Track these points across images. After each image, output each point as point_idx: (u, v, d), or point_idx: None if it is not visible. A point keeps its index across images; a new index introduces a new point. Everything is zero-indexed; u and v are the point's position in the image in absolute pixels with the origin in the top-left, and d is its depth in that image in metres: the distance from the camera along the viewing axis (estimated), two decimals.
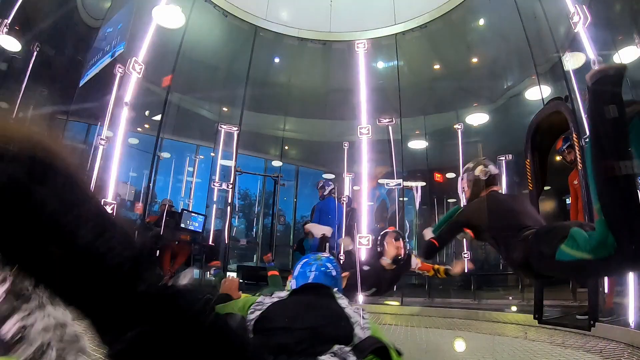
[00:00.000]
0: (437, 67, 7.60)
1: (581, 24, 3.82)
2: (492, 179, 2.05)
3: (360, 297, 5.17)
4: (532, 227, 1.68)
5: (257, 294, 1.90)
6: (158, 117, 6.10)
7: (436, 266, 3.74)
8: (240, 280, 7.39)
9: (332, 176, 8.94)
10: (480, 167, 2.03)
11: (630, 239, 1.20)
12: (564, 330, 3.51)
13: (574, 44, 4.23)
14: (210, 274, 5.80)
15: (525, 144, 4.32)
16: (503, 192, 2.12)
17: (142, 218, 5.86)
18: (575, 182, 3.84)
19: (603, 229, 1.23)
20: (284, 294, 1.22)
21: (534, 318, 3.82)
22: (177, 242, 5.77)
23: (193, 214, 6.11)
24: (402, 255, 3.31)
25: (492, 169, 2.06)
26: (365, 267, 3.27)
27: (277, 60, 7.93)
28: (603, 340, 3.01)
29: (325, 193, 5.43)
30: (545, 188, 4.33)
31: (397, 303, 5.21)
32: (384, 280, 3.40)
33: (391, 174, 5.89)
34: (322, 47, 7.09)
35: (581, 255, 1.36)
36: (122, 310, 0.51)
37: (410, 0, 6.56)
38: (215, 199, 7.35)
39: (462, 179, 2.10)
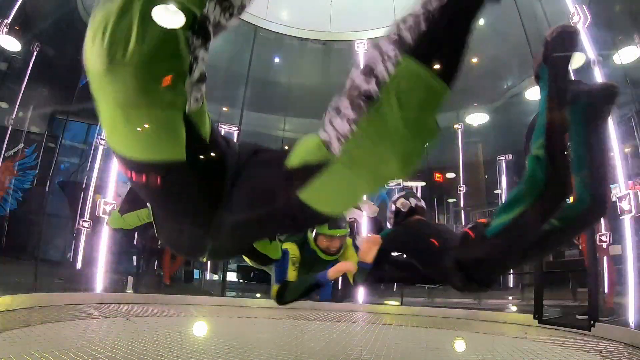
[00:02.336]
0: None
1: (581, 24, 3.82)
2: (413, 211, 2.27)
3: (360, 295, 5.18)
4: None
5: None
6: None
7: None
8: (240, 281, 7.40)
9: None
10: (401, 200, 2.27)
11: (562, 174, 1.37)
12: (564, 330, 3.51)
13: None
14: None
15: (525, 143, 4.34)
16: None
17: None
18: None
19: (533, 164, 1.40)
20: None
21: (534, 318, 3.84)
22: None
23: None
24: None
25: (413, 201, 2.26)
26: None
27: (277, 60, 7.93)
28: (603, 340, 3.01)
29: None
30: None
31: (397, 303, 5.21)
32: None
33: None
34: (322, 47, 7.08)
35: (509, 216, 1.45)
36: None
37: (410, 0, 6.55)
38: None
39: (388, 210, 2.38)
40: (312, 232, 2.18)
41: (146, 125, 0.64)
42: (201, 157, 0.76)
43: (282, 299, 2.05)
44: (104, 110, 0.68)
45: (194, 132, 0.72)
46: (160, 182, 0.75)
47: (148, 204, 1.13)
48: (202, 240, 0.98)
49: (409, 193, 2.37)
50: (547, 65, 1.48)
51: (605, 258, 3.51)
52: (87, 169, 5.61)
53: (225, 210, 0.84)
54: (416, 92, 0.70)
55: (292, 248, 2.10)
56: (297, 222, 0.88)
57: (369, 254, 1.99)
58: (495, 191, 6.86)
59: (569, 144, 1.53)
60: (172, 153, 0.71)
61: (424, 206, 2.31)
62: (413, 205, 2.27)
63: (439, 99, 0.75)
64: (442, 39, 0.76)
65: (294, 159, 0.80)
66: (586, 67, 3.97)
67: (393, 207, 2.28)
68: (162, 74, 0.61)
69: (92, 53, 0.65)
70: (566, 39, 1.45)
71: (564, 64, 1.48)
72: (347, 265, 2.01)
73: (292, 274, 2.07)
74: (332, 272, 1.99)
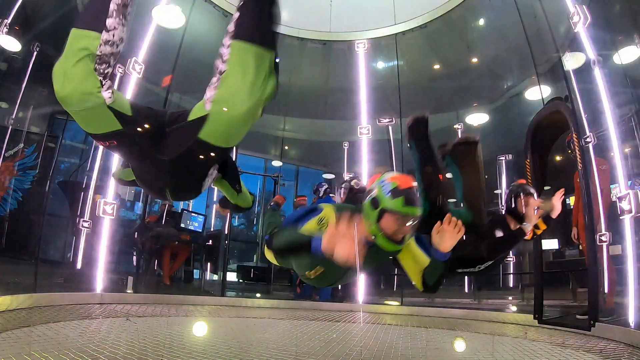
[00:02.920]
0: (437, 67, 7.59)
1: (581, 24, 3.82)
2: (363, 189, 2.87)
3: (360, 297, 5.18)
4: None
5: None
6: None
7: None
8: (240, 281, 7.39)
9: (332, 176, 8.93)
10: (355, 180, 2.80)
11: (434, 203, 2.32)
12: (564, 330, 3.51)
13: (574, 44, 4.23)
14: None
15: (525, 143, 4.34)
16: None
17: (142, 218, 5.85)
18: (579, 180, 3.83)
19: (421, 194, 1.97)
20: None
21: (534, 318, 3.84)
22: (177, 242, 5.77)
23: (193, 214, 6.11)
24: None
25: (362, 184, 2.80)
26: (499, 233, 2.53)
27: (277, 60, 7.92)
28: (603, 340, 3.01)
29: (321, 195, 5.43)
30: (545, 188, 4.34)
31: (397, 303, 5.21)
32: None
33: None
34: (322, 47, 7.08)
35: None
36: None
37: (410, 0, 6.56)
38: (215, 199, 7.34)
39: (340, 189, 2.80)
40: (374, 207, 1.51)
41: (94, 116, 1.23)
42: (129, 124, 1.26)
43: (270, 240, 1.70)
44: (73, 114, 1.22)
45: (117, 112, 1.22)
46: (116, 143, 1.32)
47: None
48: (159, 181, 1.53)
49: (358, 176, 2.80)
50: (413, 141, 2.54)
51: (605, 258, 3.50)
52: (87, 169, 5.60)
53: (163, 155, 1.34)
54: (244, 56, 1.20)
55: (330, 215, 1.55)
56: (209, 155, 1.37)
57: (450, 242, 1.58)
58: (495, 191, 6.86)
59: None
60: (112, 126, 1.24)
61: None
62: (362, 186, 2.75)
63: (260, 53, 1.22)
64: (252, 21, 1.23)
65: (192, 115, 1.31)
66: (586, 67, 3.97)
67: (347, 186, 2.65)
68: (92, 92, 1.15)
69: (56, 88, 1.16)
70: (418, 124, 2.52)
71: (421, 139, 2.55)
72: (340, 235, 1.34)
73: (308, 227, 1.54)
74: (327, 242, 1.37)
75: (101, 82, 1.15)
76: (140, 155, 1.38)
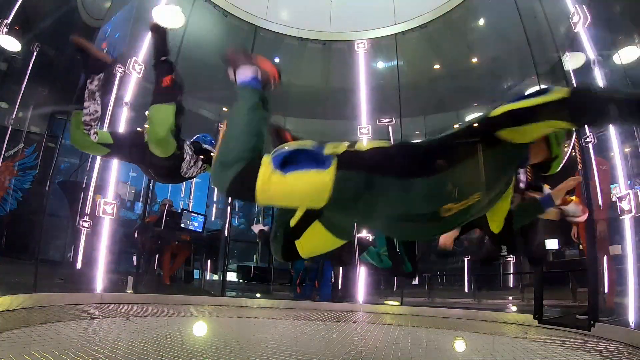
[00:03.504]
0: (437, 67, 7.59)
1: (581, 24, 3.82)
2: None
3: (360, 297, 5.18)
4: None
5: None
6: None
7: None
8: (240, 281, 7.39)
9: None
10: None
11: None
12: (564, 330, 3.52)
13: (574, 44, 4.23)
14: None
15: None
16: None
17: (142, 218, 5.85)
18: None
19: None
20: None
21: (534, 318, 3.84)
22: (177, 242, 5.77)
23: (193, 214, 6.11)
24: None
25: None
26: None
27: (277, 60, 7.92)
28: (603, 340, 3.01)
29: None
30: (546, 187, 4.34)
31: (397, 303, 5.21)
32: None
33: None
34: (322, 47, 7.08)
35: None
36: None
37: (410, 0, 6.56)
38: (215, 199, 7.35)
39: None
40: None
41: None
42: (113, 147, 2.19)
43: (289, 156, 1.14)
44: (82, 150, 2.27)
45: (102, 142, 2.13)
46: (111, 156, 2.51)
47: None
48: (146, 168, 2.31)
49: None
50: None
51: (605, 258, 3.51)
52: (87, 169, 5.59)
53: (142, 156, 2.23)
54: (154, 112, 2.15)
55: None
56: (158, 159, 2.21)
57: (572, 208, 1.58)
58: None
59: None
60: (104, 151, 2.20)
61: None
62: None
63: (164, 112, 2.14)
64: (154, 90, 2.24)
65: (146, 137, 2.19)
66: (586, 67, 3.97)
67: None
68: (84, 139, 2.09)
69: (71, 140, 2.15)
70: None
71: None
72: None
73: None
74: None
75: (88, 132, 2.03)
76: (130, 158, 2.36)
